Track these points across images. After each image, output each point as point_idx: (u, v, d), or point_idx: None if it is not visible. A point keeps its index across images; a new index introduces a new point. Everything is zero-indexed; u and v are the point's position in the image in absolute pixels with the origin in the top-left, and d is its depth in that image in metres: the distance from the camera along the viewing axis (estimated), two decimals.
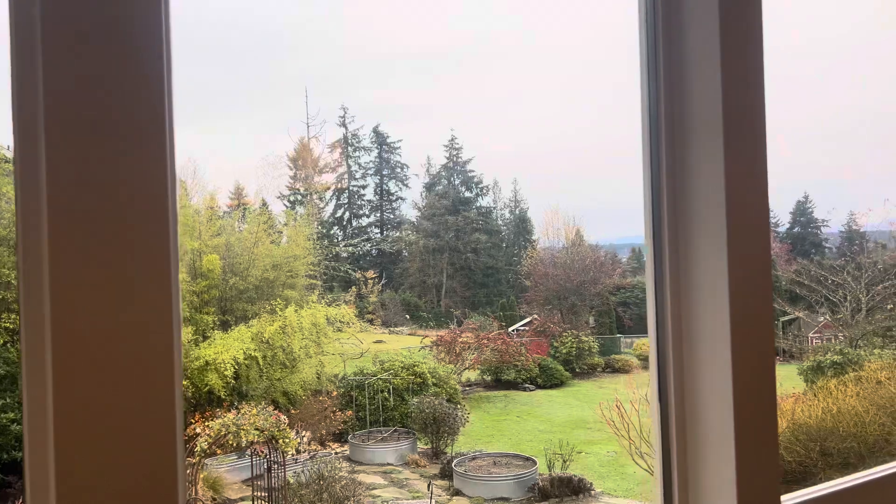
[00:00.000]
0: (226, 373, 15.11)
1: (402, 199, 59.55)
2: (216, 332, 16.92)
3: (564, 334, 29.35)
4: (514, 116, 75.21)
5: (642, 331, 39.76)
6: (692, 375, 1.33)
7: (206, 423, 11.28)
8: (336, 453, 16.41)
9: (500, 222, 57.46)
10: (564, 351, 28.55)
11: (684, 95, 1.35)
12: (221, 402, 15.70)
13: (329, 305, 18.96)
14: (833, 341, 29.71)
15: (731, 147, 1.31)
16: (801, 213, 65.99)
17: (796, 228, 64.94)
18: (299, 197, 49.42)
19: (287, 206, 47.58)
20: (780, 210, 62.01)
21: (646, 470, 10.47)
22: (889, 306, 22.38)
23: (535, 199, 70.65)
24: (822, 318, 33.75)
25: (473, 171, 57.00)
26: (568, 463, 14.03)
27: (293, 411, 16.81)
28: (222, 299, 18.53)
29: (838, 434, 9.10)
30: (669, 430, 1.38)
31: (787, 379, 17.74)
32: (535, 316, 32.72)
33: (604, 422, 14.44)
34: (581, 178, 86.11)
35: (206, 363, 15.39)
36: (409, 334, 37.59)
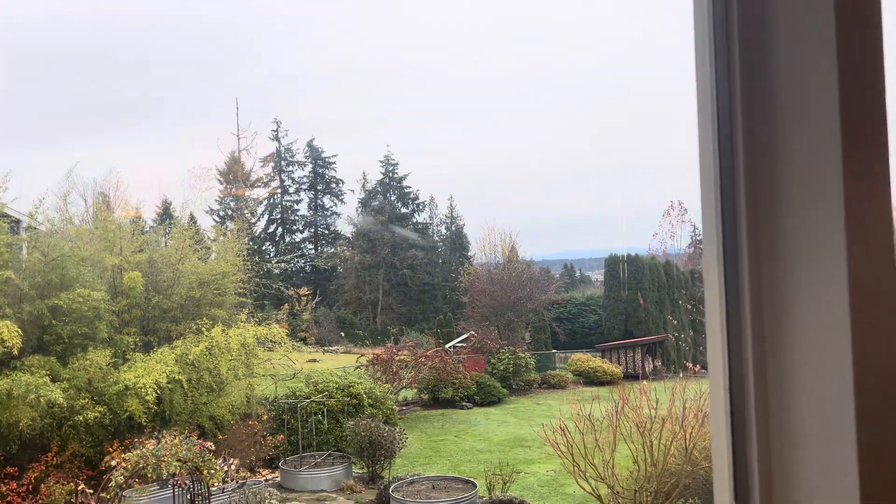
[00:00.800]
0: (147, 398, 14.16)
1: (337, 214, 58.88)
2: (137, 354, 15.90)
3: (501, 350, 29.30)
4: (452, 135, 75.54)
5: (576, 346, 40.25)
6: (783, 395, 1.00)
7: (123, 456, 10.42)
8: (266, 480, 15.60)
9: (436, 238, 57.42)
10: (501, 367, 28.46)
11: (773, 94, 1.01)
12: (142, 428, 14.72)
13: (260, 324, 18.15)
14: None
15: (852, 152, 0.97)
16: None
17: None
18: (229, 211, 47.94)
19: (216, 221, 46.06)
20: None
21: (589, 492, 10.23)
22: None
23: (472, 215, 71.03)
24: None
25: (410, 187, 56.88)
26: (508, 484, 13.71)
27: (220, 437, 15.93)
28: (145, 319, 17.49)
29: None
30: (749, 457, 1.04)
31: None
32: (473, 332, 32.55)
33: (542, 439, 14.23)
34: (516, 196, 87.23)
35: (126, 387, 14.40)
36: (344, 352, 36.84)
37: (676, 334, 36.75)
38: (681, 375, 34.78)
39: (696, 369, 26.41)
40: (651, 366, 34.64)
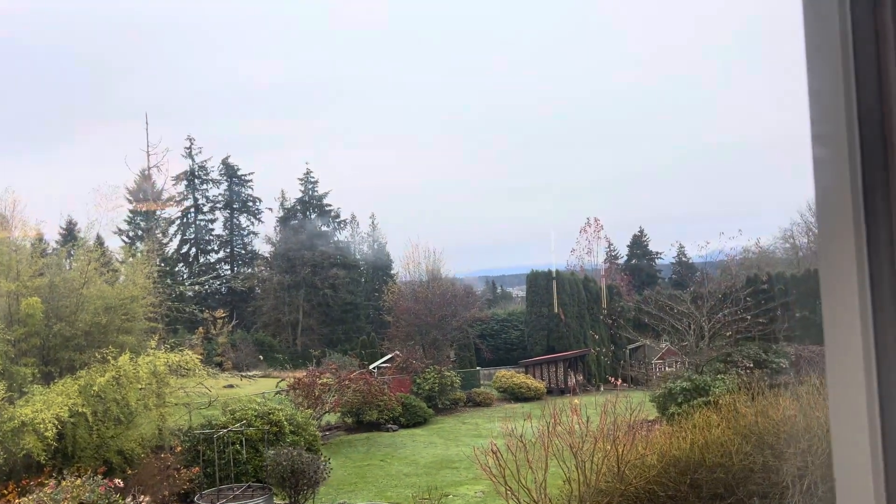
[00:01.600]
0: (46, 433, 13.05)
1: (254, 233, 57.27)
2: (36, 386, 14.69)
3: (427, 370, 29.03)
4: (373, 153, 75.19)
5: (500, 362, 40.44)
6: None
7: (17, 501, 9.47)
8: None
9: (359, 257, 56.71)
10: (427, 387, 28.15)
11: None
12: (41, 468, 13.55)
13: (172, 350, 17.17)
14: (676, 367, 31.72)
15: None
16: (638, 246, 71.11)
17: (634, 261, 69.82)
18: (139, 231, 45.72)
19: (126, 242, 43.76)
20: (619, 244, 66.54)
21: None
22: (728, 333, 24.02)
23: (395, 234, 70.73)
24: (664, 345, 36.08)
25: (330, 205, 56.01)
26: None
27: (130, 472, 14.89)
28: (45, 348, 16.25)
29: (706, 465, 9.21)
30: None
31: (638, 405, 18.24)
32: (397, 352, 32.14)
33: (469, 459, 14.01)
34: (440, 214, 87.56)
35: (23, 423, 13.24)
36: (263, 377, 35.60)
37: (598, 348, 37.50)
38: (601, 389, 35.53)
39: (619, 383, 26.81)
40: (574, 380, 35.17)
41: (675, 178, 78.45)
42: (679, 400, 19.79)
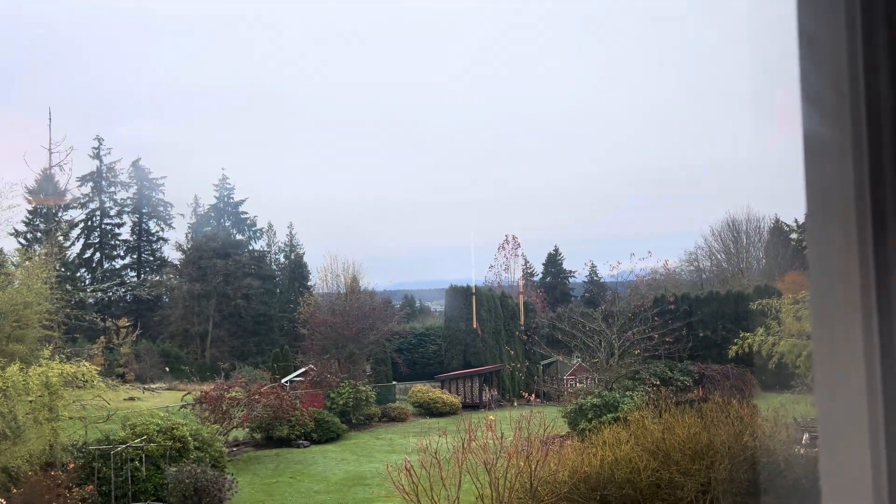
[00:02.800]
0: None
1: (164, 239, 54.96)
2: None
3: (342, 384, 28.54)
4: (293, 161, 73.87)
5: (417, 377, 40.23)
6: None
7: None
8: None
9: (274, 267, 55.35)
10: (341, 402, 27.68)
11: None
12: None
13: (69, 360, 16.12)
14: (587, 383, 32.49)
15: None
16: (553, 264, 72.93)
17: (548, 278, 71.56)
18: (38, 234, 42.99)
19: (23, 245, 41.00)
20: (535, 261, 68.22)
21: None
22: (636, 351, 24.78)
23: (313, 244, 69.50)
24: (576, 362, 36.91)
25: (246, 213, 54.45)
26: None
27: (15, 491, 13.80)
28: None
29: (615, 482, 9.37)
30: None
31: (551, 421, 18.59)
32: (312, 366, 31.47)
33: (382, 475, 13.78)
34: (359, 227, 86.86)
35: None
36: (169, 390, 34.04)
37: (513, 364, 37.93)
38: (515, 404, 35.92)
39: (532, 398, 27.09)
40: (489, 395, 35.38)
41: (588, 199, 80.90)
42: (589, 416, 20.19)
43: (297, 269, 53.11)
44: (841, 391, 0.85)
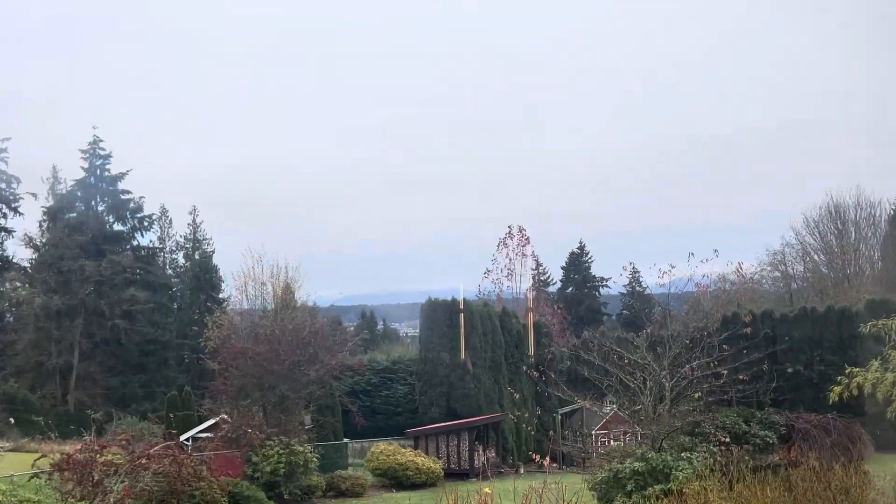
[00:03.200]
0: None
1: (6, 230, 54.51)
2: None
3: (269, 443, 28.53)
4: (197, 121, 73.59)
5: (379, 431, 40.20)
6: None
7: None
8: None
9: (170, 271, 55.07)
10: (269, 469, 27.66)
11: None
12: None
13: None
14: (625, 441, 32.63)
15: None
16: (577, 268, 72.27)
17: (570, 288, 71.09)
18: None
19: None
20: (552, 264, 67.75)
21: None
22: (697, 394, 24.96)
23: (228, 238, 68.99)
24: (609, 409, 37.05)
25: (129, 192, 53.99)
26: None
27: None
28: None
29: None
30: None
31: (574, 496, 18.74)
32: (225, 416, 31.43)
33: None
34: (298, 214, 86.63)
35: None
36: (13, 451, 33.92)
37: (518, 412, 38.07)
38: (521, 471, 35.97)
39: (546, 462, 27.37)
40: (484, 458, 35.46)
41: (627, 177, 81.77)
42: (629, 487, 20.28)
43: (203, 275, 52.86)
44: None
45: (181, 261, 55.87)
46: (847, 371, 19.73)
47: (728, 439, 26.00)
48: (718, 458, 19.24)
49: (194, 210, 55.40)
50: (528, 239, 58.34)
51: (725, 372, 26.77)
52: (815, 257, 56.33)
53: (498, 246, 57.97)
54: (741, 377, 27.46)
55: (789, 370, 36.68)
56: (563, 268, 69.38)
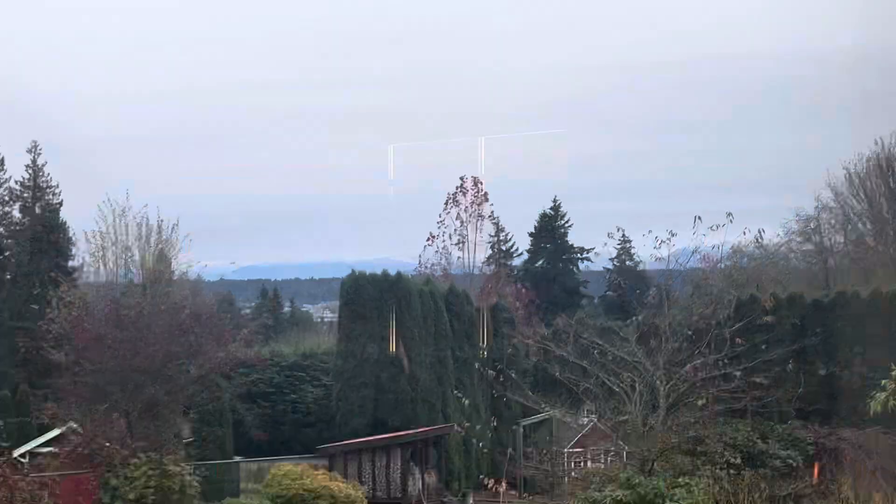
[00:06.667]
0: None
1: None
2: None
3: (134, 461, 28.47)
4: (32, 18, 72.23)
5: (282, 447, 40.07)
6: None
7: None
8: None
9: (1, 230, 54.32)
10: (133, 496, 27.65)
11: None
12: None
13: None
14: (607, 462, 32.99)
15: None
16: (549, 233, 72.20)
17: (540, 261, 71.04)
18: None
19: None
20: (517, 230, 67.68)
21: None
22: (700, 401, 25.37)
23: (79, 185, 68.30)
24: (586, 420, 37.33)
25: None
26: None
27: None
28: None
29: None
30: None
31: None
32: (74, 425, 31.24)
33: None
34: (171, 156, 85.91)
35: None
36: None
37: (467, 423, 38.28)
38: (470, 501, 36.24)
39: (501, 488, 27.61)
40: (421, 483, 35.61)
41: (618, 114, 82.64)
42: None
43: (46, 236, 52.19)
44: None
45: (17, 214, 54.95)
46: (894, 374, 20.15)
47: (739, 461, 26.40)
48: (726, 485, 19.58)
49: (35, 146, 54.33)
50: (486, 195, 58.07)
51: (739, 373, 27.27)
52: (860, 226, 57.01)
53: (446, 204, 57.44)
54: (759, 380, 27.99)
55: (821, 372, 37.24)
56: (531, 234, 69.38)
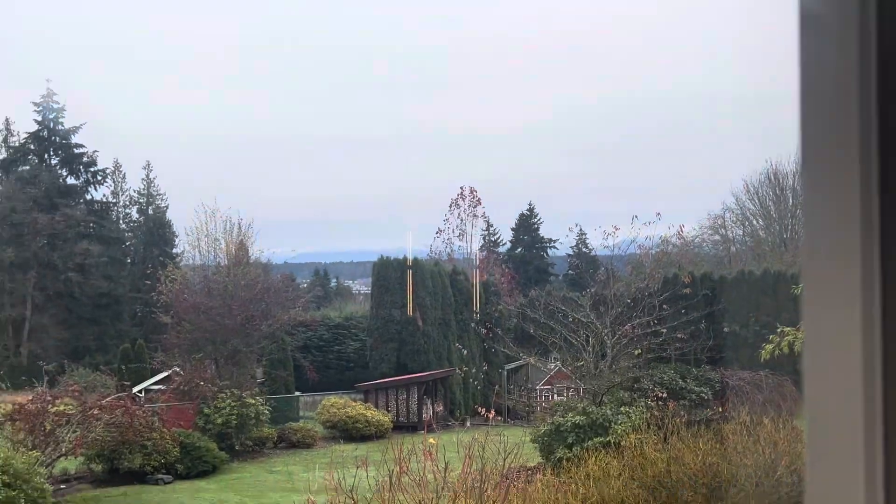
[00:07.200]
0: None
1: None
2: None
3: (221, 395, 28.47)
4: (150, 76, 72.09)
5: (330, 385, 40.21)
6: None
7: None
8: None
9: (123, 226, 54.30)
10: (220, 420, 27.63)
11: None
12: None
13: None
14: (568, 396, 33.06)
15: None
16: (526, 229, 72.85)
17: (519, 249, 71.65)
18: None
19: None
20: (502, 225, 68.13)
21: None
22: (637, 351, 25.34)
23: (182, 193, 68.30)
24: (553, 366, 37.49)
25: (82, 146, 52.98)
26: None
27: None
28: None
29: None
30: None
31: (516, 447, 18.97)
32: (177, 369, 31.29)
33: None
34: (248, 173, 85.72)
35: None
36: None
37: (466, 368, 38.36)
38: (468, 424, 36.33)
39: (491, 415, 27.61)
40: (431, 411, 35.73)
41: (581, 145, 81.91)
42: (569, 440, 20.56)
43: (157, 230, 52.23)
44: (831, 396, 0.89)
45: (135, 215, 54.99)
46: (780, 330, 20.13)
47: (665, 395, 26.40)
48: (655, 412, 19.56)
49: (148, 165, 54.37)
50: (479, 200, 58.47)
51: (665, 331, 27.23)
52: (754, 222, 57.20)
53: (450, 206, 57.92)
54: (679, 336, 27.95)
55: (726, 330, 37.27)
56: (512, 229, 69.51)
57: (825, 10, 0.88)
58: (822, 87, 0.91)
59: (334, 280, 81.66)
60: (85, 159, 52.90)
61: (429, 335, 39.96)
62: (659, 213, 30.07)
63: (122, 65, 70.41)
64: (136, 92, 69.19)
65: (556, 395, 34.89)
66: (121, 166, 54.92)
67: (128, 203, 55.68)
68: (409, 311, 39.83)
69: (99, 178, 53.41)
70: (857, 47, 0.84)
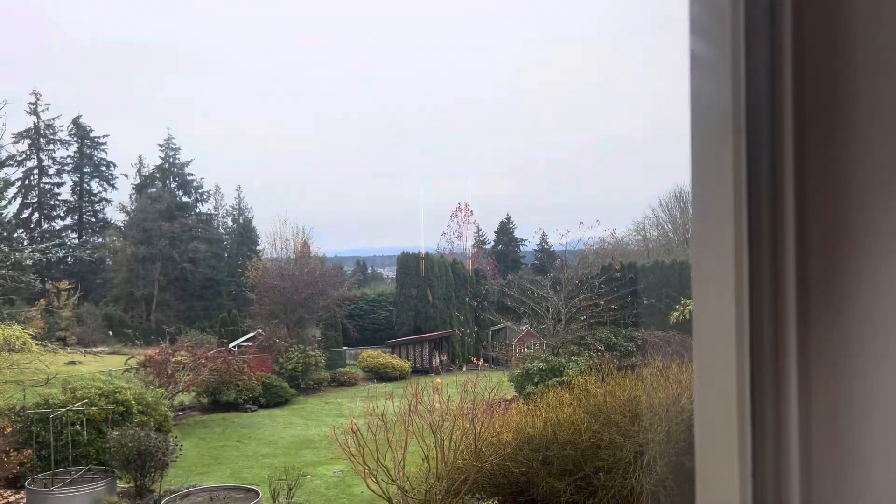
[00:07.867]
0: None
1: (106, 200, 53.19)
2: None
3: (290, 349, 28.39)
4: (240, 122, 72.01)
5: (367, 342, 40.30)
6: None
7: None
8: (9, 503, 13.43)
9: (222, 231, 54.31)
10: (290, 367, 27.53)
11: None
12: None
13: (2, 322, 15.59)
14: (534, 349, 33.09)
15: None
16: (505, 232, 73.49)
17: (500, 246, 72.18)
18: None
19: None
20: (488, 230, 68.74)
21: (378, 494, 10.04)
22: (583, 317, 25.28)
23: (262, 208, 68.25)
24: (524, 328, 37.46)
25: (193, 174, 53.06)
26: (294, 490, 13.10)
27: None
28: None
29: (558, 443, 9.63)
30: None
31: (497, 385, 18.84)
32: (260, 331, 31.23)
33: (330, 439, 13.89)
34: (310, 190, 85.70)
35: None
36: (112, 354, 33.35)
37: (462, 329, 38.32)
38: (464, 369, 36.31)
39: (480, 363, 27.36)
40: (438, 360, 35.74)
41: (543, 171, 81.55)
42: (535, 380, 20.60)
43: (245, 233, 52.21)
44: (714, 374, 0.88)
45: (230, 223, 54.93)
46: (682, 302, 20.13)
47: (603, 348, 26.38)
48: (596, 360, 19.54)
49: (239, 188, 54.37)
50: (471, 212, 58.62)
51: (602, 303, 27.19)
52: (665, 226, 57.12)
53: (451, 216, 58.18)
54: (613, 306, 27.92)
55: (645, 302, 37.17)
56: (495, 232, 69.45)
57: (707, 53, 0.87)
58: (705, 120, 0.90)
59: (370, 268, 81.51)
60: (195, 184, 52.95)
61: (437, 307, 39.93)
62: (598, 220, 30.18)
63: (222, 114, 70.37)
64: (232, 137, 69.13)
65: (526, 349, 34.82)
66: (220, 189, 54.86)
67: (225, 214, 55.63)
68: (425, 290, 39.81)
69: (205, 196, 53.42)
70: (731, 85, 0.83)
